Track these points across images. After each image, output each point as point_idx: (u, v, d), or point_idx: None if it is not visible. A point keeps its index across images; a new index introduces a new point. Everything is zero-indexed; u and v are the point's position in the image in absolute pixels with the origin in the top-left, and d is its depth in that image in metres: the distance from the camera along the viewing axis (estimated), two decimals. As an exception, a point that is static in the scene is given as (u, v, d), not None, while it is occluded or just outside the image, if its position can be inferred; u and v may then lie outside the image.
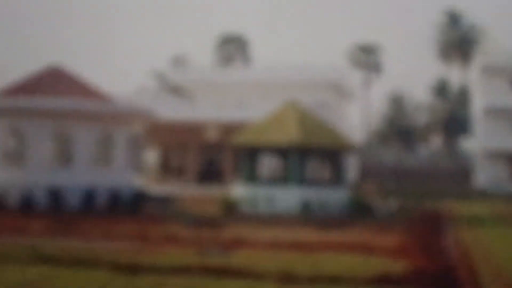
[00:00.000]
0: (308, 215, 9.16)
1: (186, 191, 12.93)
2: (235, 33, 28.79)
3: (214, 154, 16.90)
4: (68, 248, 5.80)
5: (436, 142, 26.79)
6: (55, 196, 9.22)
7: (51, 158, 9.73)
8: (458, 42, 26.64)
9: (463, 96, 25.41)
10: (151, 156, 17.44)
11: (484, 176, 19.37)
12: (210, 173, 16.75)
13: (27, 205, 8.91)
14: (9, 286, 4.09)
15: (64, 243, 6.11)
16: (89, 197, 9.40)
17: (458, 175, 21.40)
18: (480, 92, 20.20)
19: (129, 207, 9.56)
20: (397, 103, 26.98)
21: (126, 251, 5.66)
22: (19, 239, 6.36)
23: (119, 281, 4.29)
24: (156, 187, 12.79)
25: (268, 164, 10.94)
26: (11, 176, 9.29)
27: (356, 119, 25.27)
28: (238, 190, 10.05)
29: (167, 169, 17.52)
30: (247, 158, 10.27)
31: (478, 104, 20.48)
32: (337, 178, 10.10)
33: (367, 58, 27.63)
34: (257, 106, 15.56)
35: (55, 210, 8.92)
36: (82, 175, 9.52)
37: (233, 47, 28.56)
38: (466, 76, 26.07)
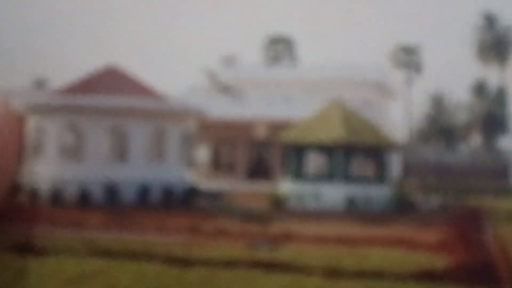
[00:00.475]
0: (353, 211, 9.08)
1: (236, 186, 12.89)
2: (282, 34, 28.74)
3: (263, 151, 16.86)
4: (123, 241, 5.82)
5: (475, 140, 26.53)
6: (111, 191, 9.24)
7: (107, 154, 9.76)
8: (495, 43, 26.35)
9: (501, 96, 25.16)
10: (203, 153, 17.43)
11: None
12: (259, 170, 16.71)
13: (84, 200, 8.93)
14: (67, 278, 4.08)
15: (120, 237, 6.13)
16: (143, 192, 9.42)
17: (497, 173, 21.15)
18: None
19: (181, 201, 9.55)
20: (438, 102, 26.75)
21: (178, 245, 5.65)
22: (76, 233, 6.37)
23: (171, 273, 4.28)
24: (207, 183, 12.76)
25: (314, 161, 10.86)
26: (69, 171, 9.30)
27: (398, 117, 25.15)
28: (286, 186, 9.99)
29: (217, 165, 17.50)
30: (294, 155, 10.20)
31: (517, 103, 20.24)
32: (380, 175, 10.02)
33: (408, 58, 27.42)
34: (303, 103, 15.50)
35: (111, 205, 8.94)
36: (137, 171, 9.56)
37: (280, 47, 28.51)
38: (504, 76, 25.84)
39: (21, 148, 9.43)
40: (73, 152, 9.86)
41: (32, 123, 9.83)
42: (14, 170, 8.79)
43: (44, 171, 9.42)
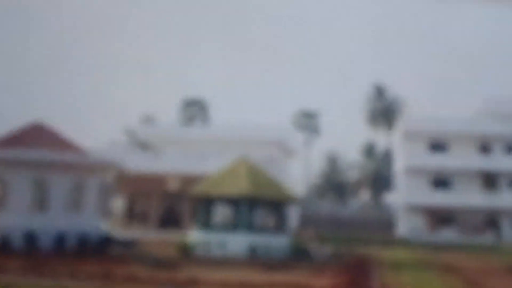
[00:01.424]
0: (254, 258, 9.05)
1: (148, 235, 12.83)
2: (197, 97, 29.07)
3: (175, 202, 16.86)
4: (39, 286, 5.66)
5: (364, 196, 27.16)
6: (30, 238, 8.99)
7: (29, 204, 9.48)
8: (383, 111, 27.23)
9: (387, 157, 25.86)
10: (118, 203, 17.34)
11: (405, 226, 19.55)
12: (170, 220, 16.70)
13: (4, 246, 8.67)
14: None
15: (36, 282, 5.92)
16: (60, 240, 9.21)
17: (383, 225, 21.60)
18: (401, 154, 20.53)
19: (96, 249, 9.35)
20: (332, 161, 27.44)
21: (93, 290, 5.60)
22: (-6, 280, 6.24)
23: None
24: (121, 232, 12.66)
25: (221, 212, 10.93)
26: None
27: (298, 174, 25.50)
28: (194, 235, 9.87)
29: (132, 215, 17.43)
30: (203, 206, 10.12)
31: (400, 164, 20.78)
32: (280, 225, 10.11)
33: (308, 122, 28.10)
34: (214, 160, 15.64)
35: (30, 251, 8.65)
36: (55, 220, 9.37)
37: (195, 109, 28.83)
38: (390, 140, 26.55)
39: None
40: None
41: None
42: None
43: None
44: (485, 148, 20.30)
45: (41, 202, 9.79)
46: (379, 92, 28.22)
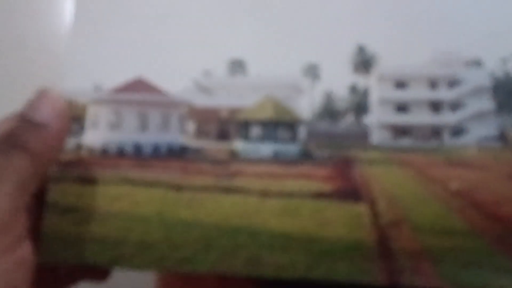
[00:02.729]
0: (276, 159, 9.19)
1: (209, 145, 12.99)
2: (238, 57, 29.12)
3: (225, 124, 16.96)
4: (143, 176, 5.85)
5: (350, 118, 27.08)
6: (137, 148, 9.16)
7: (136, 127, 9.69)
8: (363, 62, 26.93)
9: (365, 93, 25.65)
10: (190, 126, 17.49)
11: (376, 137, 19.58)
12: (223, 135, 16.83)
13: (120, 153, 8.89)
14: (109, 197, 4.13)
15: (139, 174, 6.13)
16: (156, 148, 9.34)
17: (362, 137, 21.56)
18: (374, 90, 20.40)
19: (178, 154, 9.52)
20: (328, 96, 27.25)
21: (176, 178, 5.70)
22: (115, 172, 6.32)
23: (172, 194, 4.36)
24: (192, 143, 12.85)
25: (254, 130, 10.99)
26: (111, 137, 9.15)
27: (305, 106, 25.51)
28: (238, 145, 9.96)
29: (199, 133, 17.56)
30: (243, 127, 10.20)
31: (374, 97, 20.66)
32: (294, 138, 10.16)
33: (311, 71, 27.91)
34: (250, 98, 15.63)
35: (137, 156, 8.90)
36: (153, 136, 9.34)
37: (237, 65, 28.83)
38: (368, 81, 26.41)
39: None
40: (115, 126, 9.84)
41: (91, 110, 9.77)
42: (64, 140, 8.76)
43: (97, 137, 9.39)
44: (433, 85, 20.09)
45: (143, 125, 9.93)
46: (360, 50, 27.89)
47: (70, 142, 0.67)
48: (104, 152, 0.87)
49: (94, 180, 0.66)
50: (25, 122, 0.43)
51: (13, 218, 0.40)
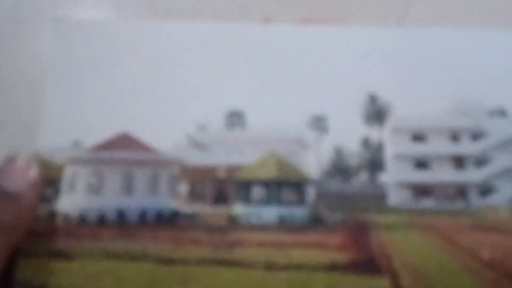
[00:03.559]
0: (282, 225, 9.14)
1: (205, 210, 12.96)
2: (236, 108, 29.57)
3: (223, 185, 16.97)
4: (128, 248, 5.80)
5: (363, 176, 27.10)
6: (120, 214, 9.18)
7: (119, 190, 9.76)
8: (376, 113, 27.24)
9: (380, 147, 25.80)
10: (183, 187, 17.50)
11: (394, 198, 19.51)
12: (220, 198, 16.82)
13: (101, 221, 8.92)
14: (87, 274, 4.07)
15: (125, 245, 6.08)
16: (143, 215, 9.38)
17: (378, 197, 21.49)
18: (390, 144, 20.53)
19: (168, 221, 9.55)
20: (338, 152, 27.41)
21: (166, 250, 5.65)
22: (96, 243, 6.29)
23: (160, 269, 4.30)
24: (185, 208, 12.83)
25: (256, 192, 11.01)
26: (91, 202, 9.27)
27: (312, 162, 25.64)
28: (238, 209, 9.94)
29: (192, 195, 17.57)
30: (243, 188, 10.21)
31: (389, 152, 20.77)
32: (301, 200, 10.16)
33: (318, 123, 28.14)
34: (250, 154, 15.72)
35: (120, 224, 8.89)
36: (139, 201, 9.51)
37: (235, 118, 29.22)
38: (381, 134, 26.60)
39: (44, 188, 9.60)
40: (95, 189, 9.91)
41: (69, 170, 9.86)
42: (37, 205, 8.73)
43: (75, 202, 9.44)
44: (454, 137, 20.24)
45: (128, 188, 10.01)
46: (372, 99, 28.30)
47: (43, 209, 0.65)
48: (83, 220, 0.85)
49: (71, 254, 0.64)
50: None
51: None
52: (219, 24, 0.62)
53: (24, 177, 0.45)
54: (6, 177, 0.44)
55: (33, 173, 0.45)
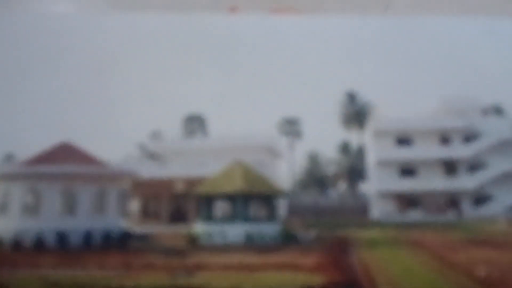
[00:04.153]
0: (250, 244, 9.12)
1: (160, 230, 12.89)
2: (196, 113, 29.32)
3: (181, 201, 16.90)
4: (71, 277, 5.66)
5: (342, 186, 27.20)
6: (62, 237, 9.05)
7: (59, 209, 9.64)
8: (355, 114, 27.37)
9: (360, 152, 25.93)
10: (134, 205, 17.39)
11: (377, 210, 19.63)
12: (178, 216, 16.76)
13: (40, 245, 8.73)
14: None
15: (68, 273, 5.96)
16: (87, 237, 9.24)
17: (359, 210, 21.62)
18: (372, 149, 20.67)
19: (118, 243, 9.44)
20: (313, 159, 27.48)
21: (116, 277, 5.57)
22: (33, 272, 6.18)
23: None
24: (138, 228, 12.74)
25: (220, 207, 11.03)
26: (28, 224, 9.18)
27: (284, 172, 25.57)
28: (199, 228, 9.90)
29: (146, 213, 17.47)
30: (205, 203, 10.20)
31: (371, 157, 20.92)
32: (271, 215, 10.18)
33: (291, 128, 28.18)
34: (213, 165, 15.72)
35: (62, 248, 8.71)
36: (83, 221, 9.45)
37: (195, 123, 29.02)
38: (362, 138, 26.70)
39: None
40: (32, 209, 9.79)
41: (0, 188, 9.75)
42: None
43: (8, 224, 9.29)
44: (444, 140, 20.46)
45: (70, 207, 9.95)
46: (351, 98, 28.40)
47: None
48: (18, 245, 0.84)
49: (4, 284, 0.63)
50: None
51: None
52: (178, 15, 0.62)
53: None
54: None
55: None
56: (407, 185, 20.53)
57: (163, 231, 13.45)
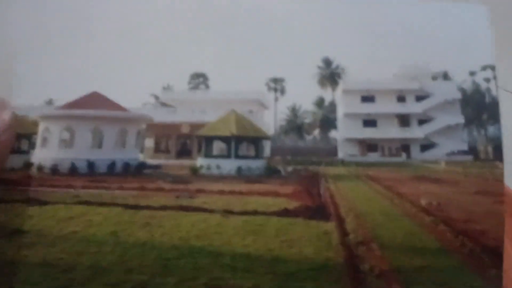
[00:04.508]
0: (240, 176, 9.21)
1: (169, 162, 12.97)
2: (200, 72, 29.28)
3: (186, 140, 16.99)
4: (98, 195, 5.74)
5: (316, 133, 27.39)
6: (91, 165, 9.09)
7: (89, 143, 9.72)
8: (329, 76, 27.33)
9: (332, 107, 25.99)
10: (149, 142, 17.47)
11: (344, 152, 19.84)
12: (184, 152, 16.89)
13: (73, 171, 8.84)
14: (60, 218, 4.05)
15: (95, 193, 6.02)
16: (111, 166, 9.33)
17: (329, 152, 21.81)
18: (342, 104, 20.75)
19: (135, 171, 9.53)
20: (294, 111, 27.54)
21: (132, 197, 5.63)
22: (68, 191, 6.25)
23: (127, 213, 4.31)
24: (151, 160, 12.83)
25: (217, 146, 11.09)
26: (63, 155, 9.21)
27: (270, 120, 25.68)
28: (200, 161, 9.98)
29: (158, 149, 17.56)
30: (205, 143, 10.23)
31: (340, 111, 21.02)
32: (258, 154, 10.25)
33: (277, 85, 28.12)
34: (213, 113, 15.76)
35: (90, 174, 8.74)
36: (108, 153, 9.50)
37: (199, 79, 28.91)
38: (334, 95, 26.75)
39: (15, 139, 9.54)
40: (67, 143, 9.82)
41: (42, 126, 9.77)
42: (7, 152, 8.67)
43: (48, 154, 9.34)
44: (401, 98, 20.59)
45: (98, 142, 9.99)
46: (327, 63, 28.31)
47: (20, 160, 0.65)
48: (56, 171, 0.84)
49: (44, 200, 0.63)
50: None
51: None
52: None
53: (2, 120, 0.44)
54: None
55: (7, 115, 0.44)
56: (369, 133, 20.71)
57: (171, 163, 13.56)
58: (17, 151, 10.37)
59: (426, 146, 24.44)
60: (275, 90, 34.63)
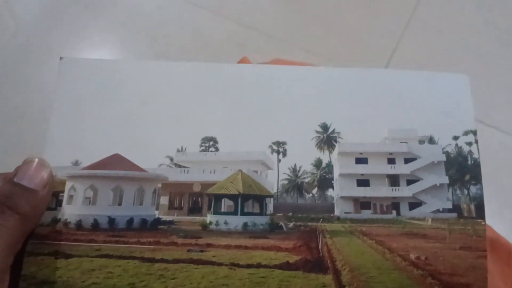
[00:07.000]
0: (246, 231, 9.17)
1: (182, 218, 12.94)
2: (210, 136, 29.63)
3: (198, 198, 16.97)
4: (117, 249, 5.74)
5: (315, 192, 27.36)
6: (111, 221, 9.14)
7: (111, 201, 9.79)
8: (326, 140, 27.63)
9: (329, 167, 26.10)
10: (164, 200, 17.47)
11: (339, 209, 19.74)
12: (195, 209, 16.82)
13: (95, 227, 8.86)
14: (84, 270, 4.02)
15: (115, 247, 6.02)
16: (130, 222, 9.35)
17: (326, 209, 21.67)
18: (337, 165, 20.83)
19: (151, 227, 9.53)
20: (294, 171, 27.63)
21: (148, 250, 5.63)
22: (90, 245, 6.21)
23: (144, 266, 4.27)
24: (165, 216, 12.81)
25: (225, 204, 11.08)
26: (87, 211, 9.28)
27: (273, 180, 25.79)
28: (209, 217, 9.96)
29: (171, 206, 17.52)
30: (214, 200, 10.25)
31: (336, 171, 21.07)
32: (262, 211, 10.23)
33: (279, 148, 28.37)
34: (221, 173, 15.83)
35: (111, 229, 8.82)
36: (127, 210, 9.54)
37: (210, 142, 29.28)
38: (331, 157, 26.97)
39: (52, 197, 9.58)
40: (90, 200, 9.95)
41: (68, 185, 9.88)
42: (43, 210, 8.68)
43: (73, 211, 9.40)
44: (391, 160, 20.70)
45: (118, 200, 10.05)
46: (324, 128, 28.69)
47: (48, 216, 0.65)
48: (80, 226, 0.84)
49: (69, 253, 0.64)
50: (15, 185, 0.43)
51: (1, 276, 0.38)
52: (199, 64, 0.63)
53: (40, 176, 0.45)
54: (27, 174, 0.45)
55: (46, 173, 0.46)
56: (362, 192, 20.63)
57: (183, 219, 13.50)
58: (47, 208, 10.44)
59: (414, 204, 24.19)
60: (278, 152, 34.75)
